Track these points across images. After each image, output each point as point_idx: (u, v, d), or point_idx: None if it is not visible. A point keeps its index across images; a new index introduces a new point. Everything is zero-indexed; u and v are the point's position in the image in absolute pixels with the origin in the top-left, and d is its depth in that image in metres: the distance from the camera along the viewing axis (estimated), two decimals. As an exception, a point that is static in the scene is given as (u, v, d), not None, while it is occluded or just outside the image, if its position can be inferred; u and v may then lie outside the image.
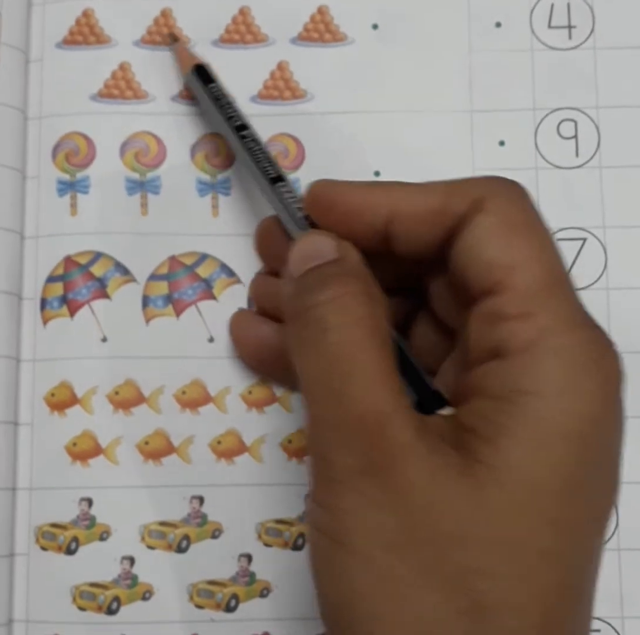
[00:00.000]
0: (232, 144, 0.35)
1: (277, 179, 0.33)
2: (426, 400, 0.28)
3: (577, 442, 0.25)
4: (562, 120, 0.39)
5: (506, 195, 0.28)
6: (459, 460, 0.25)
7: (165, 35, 0.39)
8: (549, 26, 0.40)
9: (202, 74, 0.37)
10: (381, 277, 0.29)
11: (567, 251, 0.37)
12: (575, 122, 0.39)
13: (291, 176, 0.38)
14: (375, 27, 0.39)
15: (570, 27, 0.40)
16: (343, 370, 0.26)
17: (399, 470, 0.25)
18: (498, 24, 0.40)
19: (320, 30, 0.39)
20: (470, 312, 0.28)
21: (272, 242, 0.34)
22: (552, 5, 0.40)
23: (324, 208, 0.30)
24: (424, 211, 0.29)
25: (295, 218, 0.32)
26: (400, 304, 0.33)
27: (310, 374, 0.27)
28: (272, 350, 0.35)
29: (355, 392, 0.26)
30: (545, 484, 0.25)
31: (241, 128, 0.35)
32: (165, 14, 0.40)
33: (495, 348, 0.26)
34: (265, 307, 0.36)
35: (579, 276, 0.38)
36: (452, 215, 0.28)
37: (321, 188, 0.31)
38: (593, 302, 0.37)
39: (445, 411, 0.28)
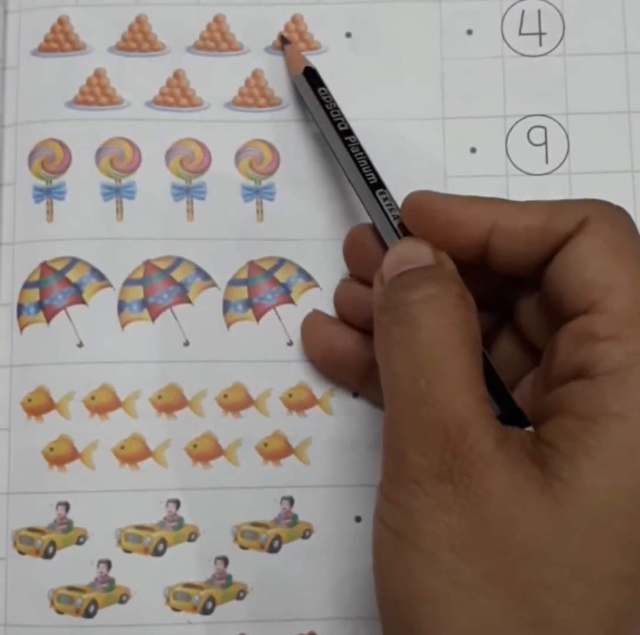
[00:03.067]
0: (335, 148, 0.35)
1: (377, 186, 0.33)
2: (508, 416, 0.28)
3: None
4: (532, 127, 0.39)
5: (610, 219, 0.28)
6: (539, 476, 0.25)
7: (277, 38, 0.39)
8: (520, 33, 0.39)
9: (311, 77, 0.37)
10: (471, 290, 0.29)
11: None
12: (545, 129, 0.39)
13: (266, 181, 0.38)
14: (348, 35, 0.39)
15: (540, 34, 0.40)
16: (432, 372, 0.26)
17: (477, 479, 0.25)
18: (469, 32, 0.39)
19: (294, 39, 0.39)
20: (560, 331, 0.27)
21: (362, 250, 0.34)
22: (523, 13, 0.40)
23: (424, 218, 0.30)
24: (526, 228, 0.28)
25: (393, 226, 0.32)
26: (484, 317, 0.32)
27: (396, 370, 0.27)
28: (340, 351, 0.35)
29: (441, 395, 0.25)
30: (622, 508, 0.24)
31: (346, 133, 0.35)
32: (140, 20, 0.39)
33: (583, 368, 0.26)
34: (345, 312, 0.36)
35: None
36: (556, 234, 0.28)
37: (421, 198, 0.30)
38: None
39: (526, 430, 0.27)
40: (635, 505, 0.25)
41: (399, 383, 0.26)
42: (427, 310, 0.27)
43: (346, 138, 0.35)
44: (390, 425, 0.27)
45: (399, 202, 0.32)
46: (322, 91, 0.36)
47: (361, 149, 0.34)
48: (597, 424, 0.25)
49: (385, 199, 0.33)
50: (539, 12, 0.40)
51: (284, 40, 0.39)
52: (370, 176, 0.33)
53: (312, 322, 0.36)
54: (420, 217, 0.30)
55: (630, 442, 0.25)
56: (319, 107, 0.36)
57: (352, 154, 0.34)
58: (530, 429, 0.27)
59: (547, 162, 0.39)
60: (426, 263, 0.28)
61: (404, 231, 0.31)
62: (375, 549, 0.27)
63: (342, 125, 0.35)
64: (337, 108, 0.36)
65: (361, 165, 0.34)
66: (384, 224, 0.32)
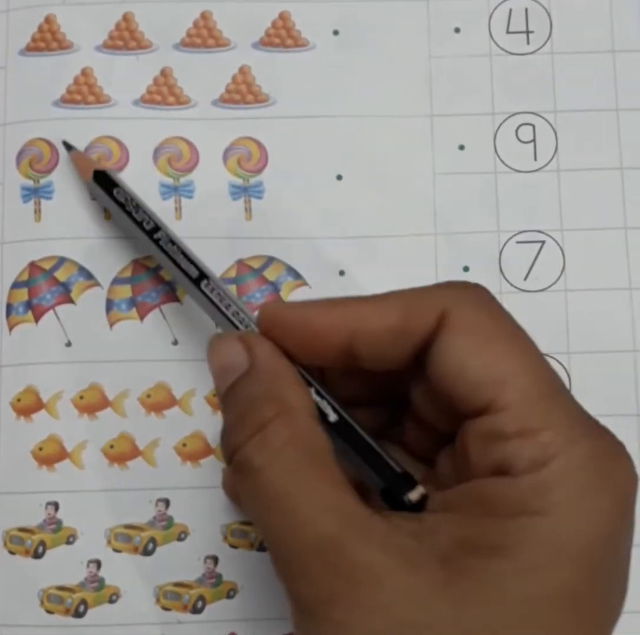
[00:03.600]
0: (148, 249, 0.34)
1: (200, 278, 0.32)
2: (394, 484, 0.27)
3: (586, 563, 0.24)
4: (521, 125, 0.39)
5: (469, 304, 0.27)
6: (439, 574, 0.24)
7: (62, 143, 0.37)
8: (507, 31, 0.39)
9: (104, 180, 0.35)
10: (357, 390, 0.28)
11: (525, 254, 0.38)
12: (534, 126, 0.39)
13: (254, 179, 0.38)
14: (336, 33, 0.39)
15: (528, 32, 0.39)
16: (282, 506, 0.25)
17: (368, 593, 0.24)
18: (457, 30, 0.39)
19: (282, 36, 0.39)
20: (464, 428, 0.26)
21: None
22: (510, 11, 0.40)
23: (281, 330, 0.28)
24: (383, 331, 0.27)
25: (225, 315, 0.31)
26: (384, 408, 0.31)
27: (255, 515, 0.26)
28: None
29: (300, 524, 0.25)
30: (544, 603, 0.24)
31: (154, 231, 0.33)
32: (126, 18, 0.39)
33: (498, 467, 0.25)
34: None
35: (538, 278, 0.38)
36: (415, 333, 0.27)
37: (276, 311, 0.29)
38: (551, 304, 0.37)
39: (415, 494, 0.27)
40: (560, 599, 0.24)
41: (262, 526, 0.26)
42: (254, 448, 0.26)
43: (155, 236, 0.33)
44: (274, 565, 0.26)
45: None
46: (118, 192, 0.35)
47: (174, 243, 0.33)
48: (515, 523, 0.24)
49: (212, 290, 0.31)
50: (526, 10, 0.40)
51: (68, 147, 0.37)
52: (190, 269, 0.32)
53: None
54: (278, 329, 0.28)
55: (552, 540, 0.24)
56: (119, 210, 0.34)
57: (165, 252, 0.33)
58: (422, 490, 0.27)
59: (535, 159, 0.38)
60: (242, 368, 0.27)
61: (237, 318, 0.30)
62: None
63: (148, 223, 0.34)
64: (137, 205, 0.34)
65: (177, 261, 0.32)
66: (215, 315, 0.31)
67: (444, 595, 0.24)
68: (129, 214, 0.34)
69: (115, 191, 0.35)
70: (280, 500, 0.25)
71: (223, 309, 0.31)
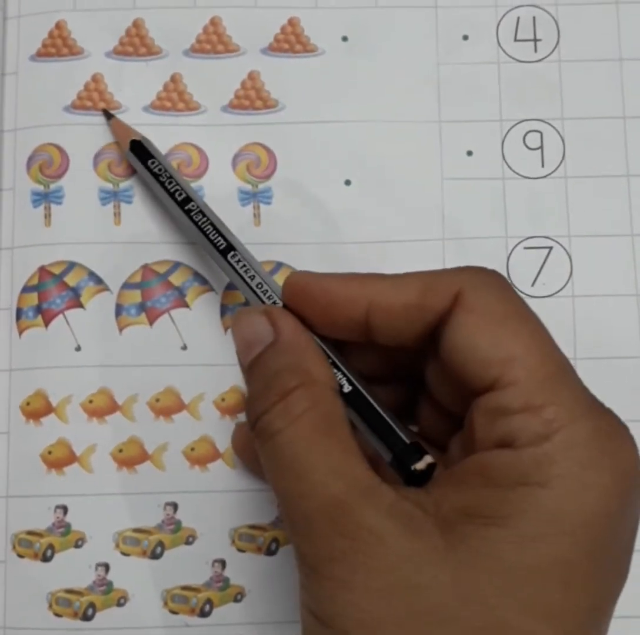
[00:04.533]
0: (179, 220, 0.34)
1: (228, 249, 0.32)
2: (404, 454, 0.27)
3: (583, 538, 0.24)
4: (528, 131, 0.39)
5: (485, 287, 0.27)
6: (439, 542, 0.24)
7: (102, 111, 0.38)
8: (515, 39, 0.39)
9: (140, 150, 0.36)
10: (375, 365, 0.29)
11: (533, 260, 0.38)
12: (541, 133, 0.39)
13: (263, 185, 0.38)
14: (345, 39, 0.39)
15: (535, 40, 0.39)
16: (296, 470, 0.26)
17: (372, 553, 0.24)
18: (465, 37, 0.39)
19: (291, 41, 0.39)
20: (473, 405, 0.27)
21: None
22: (518, 19, 0.39)
23: (304, 300, 0.29)
24: (400, 306, 0.28)
25: (251, 287, 0.31)
26: (402, 387, 0.32)
27: (273, 479, 0.27)
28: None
29: (310, 487, 0.25)
30: (537, 574, 0.24)
31: (185, 202, 0.34)
32: (137, 24, 0.39)
33: (502, 440, 0.26)
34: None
35: (545, 284, 0.38)
36: (431, 311, 0.27)
37: (299, 280, 0.30)
38: (559, 310, 0.37)
39: (422, 464, 0.27)
40: (555, 572, 0.24)
41: (277, 489, 0.27)
42: (276, 414, 0.26)
43: (186, 207, 0.34)
44: (285, 527, 0.27)
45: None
46: (153, 163, 0.35)
47: (204, 214, 0.33)
48: (516, 493, 0.24)
49: (238, 261, 0.32)
50: (533, 19, 0.39)
51: (108, 115, 0.38)
52: (219, 241, 0.33)
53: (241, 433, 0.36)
54: (301, 299, 0.29)
55: (551, 512, 0.24)
56: (153, 180, 0.35)
57: (196, 223, 0.33)
58: (430, 459, 0.27)
59: (543, 165, 0.38)
60: (267, 340, 0.28)
61: (261, 289, 0.31)
62: (302, 632, 0.27)
63: (180, 195, 0.34)
64: (171, 177, 0.35)
65: (207, 231, 0.33)
66: (243, 287, 0.32)
67: (442, 561, 0.24)
68: (162, 184, 0.35)
69: (150, 162, 0.35)
70: (294, 463, 0.26)
71: (248, 280, 0.31)
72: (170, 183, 0.35)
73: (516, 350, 0.26)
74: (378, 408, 0.28)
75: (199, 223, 0.33)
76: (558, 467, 0.24)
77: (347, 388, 0.28)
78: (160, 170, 0.35)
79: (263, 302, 0.31)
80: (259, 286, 0.31)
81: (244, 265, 0.32)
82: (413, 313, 0.28)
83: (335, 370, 0.29)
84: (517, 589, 0.24)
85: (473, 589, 0.24)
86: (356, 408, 0.28)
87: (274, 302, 0.31)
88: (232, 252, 0.32)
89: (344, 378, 0.29)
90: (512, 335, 0.26)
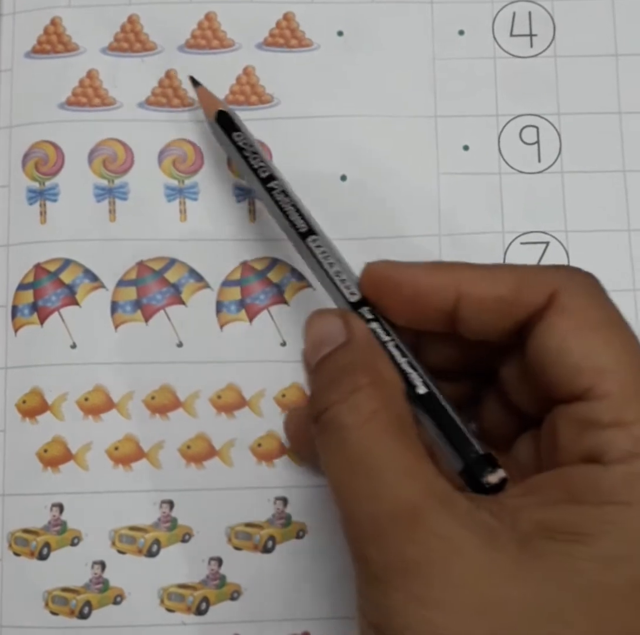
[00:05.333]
0: (260, 195, 0.33)
1: (308, 233, 0.31)
2: (477, 465, 0.26)
3: None
4: (525, 127, 0.38)
5: (581, 290, 0.26)
6: (518, 555, 0.23)
7: (188, 78, 0.37)
8: (511, 34, 0.39)
9: (225, 121, 0.35)
10: (449, 359, 0.28)
11: (530, 255, 0.37)
12: (537, 128, 0.38)
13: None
14: (340, 34, 0.39)
15: (531, 35, 0.39)
16: (367, 468, 0.25)
17: (445, 566, 0.23)
18: (461, 32, 0.39)
19: (286, 36, 0.38)
20: (557, 412, 0.26)
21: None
22: (514, 14, 0.39)
23: (386, 289, 0.28)
24: (493, 299, 0.27)
25: (327, 273, 0.30)
26: (469, 383, 0.31)
27: (335, 475, 0.26)
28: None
29: (382, 487, 0.24)
30: (619, 594, 0.23)
31: (268, 179, 0.32)
32: (131, 20, 0.39)
33: (589, 454, 0.25)
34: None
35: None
36: (524, 307, 0.26)
37: (381, 269, 0.29)
38: None
39: (495, 477, 0.26)
40: (631, 594, 0.23)
41: (341, 487, 0.25)
42: (346, 409, 0.26)
43: (268, 184, 0.32)
44: (346, 527, 0.25)
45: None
46: (238, 136, 0.34)
47: (287, 194, 0.32)
48: (600, 510, 0.24)
49: (318, 246, 0.31)
50: (529, 14, 0.39)
51: (195, 83, 0.37)
52: (299, 223, 0.31)
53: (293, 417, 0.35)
54: (382, 289, 0.28)
55: (634, 533, 0.23)
56: (237, 153, 0.34)
57: (276, 202, 0.32)
58: (503, 474, 0.26)
59: (539, 160, 0.38)
60: (339, 341, 0.27)
61: (339, 278, 0.30)
62: None
63: (264, 171, 0.33)
64: (256, 152, 0.33)
65: (288, 212, 0.32)
66: (319, 272, 0.30)
67: (522, 576, 0.23)
68: (246, 158, 0.33)
69: (235, 135, 0.34)
70: (364, 460, 0.25)
71: (326, 266, 0.30)
72: (254, 158, 0.33)
73: (609, 360, 0.25)
74: (453, 414, 0.27)
75: (280, 203, 0.32)
76: None
77: (422, 390, 0.27)
78: (245, 144, 0.34)
79: (339, 290, 0.30)
80: (337, 274, 0.30)
81: (324, 251, 0.30)
82: (505, 307, 0.27)
83: (410, 370, 0.28)
84: (596, 609, 0.23)
85: (553, 606, 0.23)
86: (430, 412, 0.27)
87: (352, 292, 0.29)
88: (313, 237, 0.31)
89: (420, 379, 0.28)
90: (605, 344, 0.25)
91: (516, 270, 0.27)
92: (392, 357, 0.28)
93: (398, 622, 0.23)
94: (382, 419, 0.25)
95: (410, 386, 0.27)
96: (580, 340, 0.25)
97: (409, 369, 0.28)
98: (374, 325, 0.28)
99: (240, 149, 0.34)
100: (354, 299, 0.29)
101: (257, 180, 0.33)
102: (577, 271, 0.27)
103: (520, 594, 0.23)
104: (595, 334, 0.26)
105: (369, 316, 0.29)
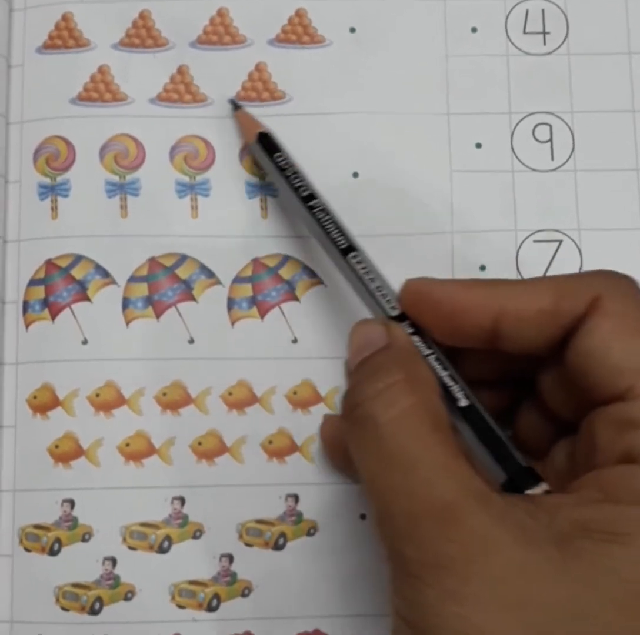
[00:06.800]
0: (300, 215, 0.34)
1: (348, 250, 0.31)
2: (519, 478, 0.26)
3: None
4: (538, 124, 0.38)
5: (621, 294, 0.26)
6: (555, 554, 0.23)
7: (228, 101, 0.37)
8: (524, 32, 0.39)
9: (266, 142, 0.35)
10: (487, 370, 0.28)
11: (543, 253, 0.37)
12: (550, 126, 0.38)
13: (269, 178, 0.37)
14: (352, 30, 0.38)
15: (544, 33, 0.39)
16: (402, 463, 0.24)
17: (482, 562, 0.23)
18: (474, 29, 0.38)
19: (298, 33, 0.38)
20: (595, 414, 0.26)
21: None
22: (527, 12, 0.39)
23: (426, 307, 0.28)
24: (534, 312, 0.27)
25: (368, 289, 0.30)
26: (505, 392, 0.31)
27: (370, 470, 0.25)
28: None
29: (418, 484, 0.24)
30: None
31: (309, 198, 0.33)
32: (143, 16, 0.38)
33: (627, 454, 0.25)
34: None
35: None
36: (566, 316, 0.26)
37: (421, 287, 0.29)
38: None
39: (538, 489, 0.26)
40: None
41: (376, 482, 0.25)
42: (381, 404, 0.25)
43: (309, 203, 0.33)
44: (380, 523, 0.25)
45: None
46: (279, 157, 0.34)
47: (327, 212, 0.33)
48: (638, 511, 0.23)
49: (359, 262, 0.31)
50: (542, 11, 0.39)
51: (235, 106, 0.37)
52: (340, 240, 0.32)
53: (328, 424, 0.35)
54: (421, 306, 0.28)
55: None
56: (277, 173, 0.34)
57: (318, 220, 0.32)
58: (545, 487, 0.26)
59: (552, 158, 0.38)
60: (380, 345, 0.28)
61: (380, 293, 0.30)
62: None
63: (304, 190, 0.33)
64: (297, 172, 0.34)
65: (328, 230, 0.32)
66: (360, 289, 0.31)
67: (559, 575, 0.23)
68: (288, 178, 0.34)
69: (276, 155, 0.34)
70: (400, 456, 0.24)
71: (367, 282, 0.30)
72: (295, 178, 0.34)
73: None
74: (494, 427, 0.27)
75: (321, 221, 0.32)
76: None
77: (464, 402, 0.27)
78: (286, 164, 0.34)
79: (380, 305, 0.30)
80: (379, 289, 0.30)
81: (364, 267, 0.31)
82: (546, 319, 0.27)
83: (452, 383, 0.28)
84: (632, 609, 0.23)
85: (590, 606, 0.23)
86: (472, 424, 0.27)
87: (393, 307, 0.30)
88: (353, 253, 0.31)
89: (461, 392, 0.28)
90: None
91: (555, 281, 0.27)
92: (433, 371, 0.28)
93: (432, 619, 0.23)
94: (417, 414, 0.25)
95: (451, 399, 0.27)
96: (621, 341, 0.26)
97: (450, 382, 0.28)
98: (415, 338, 0.29)
99: (282, 170, 0.34)
100: (394, 313, 0.30)
101: (298, 200, 0.33)
102: (616, 274, 0.27)
103: (556, 593, 0.22)
104: (635, 335, 0.25)
105: (410, 330, 0.29)
